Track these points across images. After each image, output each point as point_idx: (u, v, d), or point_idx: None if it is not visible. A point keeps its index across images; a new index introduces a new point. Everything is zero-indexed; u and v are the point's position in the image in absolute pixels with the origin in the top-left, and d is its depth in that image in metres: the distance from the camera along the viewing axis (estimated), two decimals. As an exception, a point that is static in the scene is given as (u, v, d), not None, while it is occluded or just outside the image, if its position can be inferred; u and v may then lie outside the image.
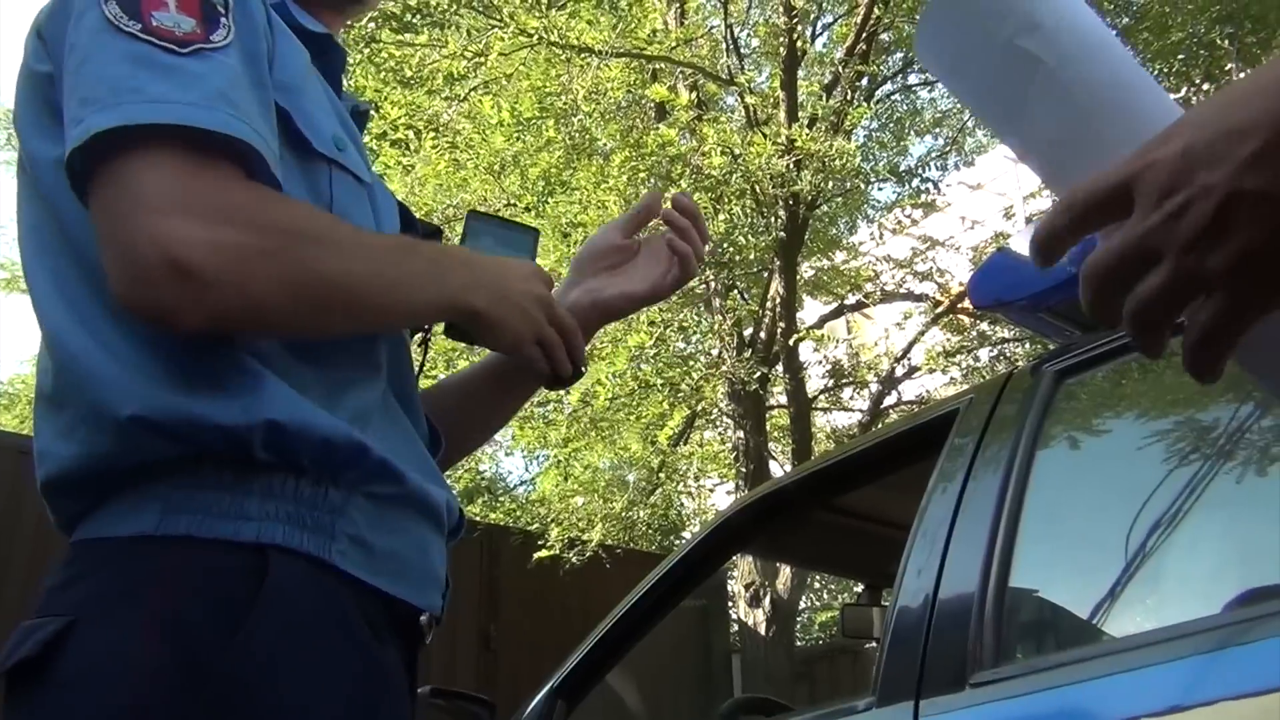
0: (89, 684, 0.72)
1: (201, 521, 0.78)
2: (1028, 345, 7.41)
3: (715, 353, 7.49)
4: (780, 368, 7.25)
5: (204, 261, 0.73)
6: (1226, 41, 6.70)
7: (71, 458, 0.81)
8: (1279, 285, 0.46)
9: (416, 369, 1.06)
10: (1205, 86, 7.16)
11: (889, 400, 8.38)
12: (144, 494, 0.79)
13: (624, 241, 1.15)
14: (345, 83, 1.08)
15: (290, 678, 0.75)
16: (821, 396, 8.68)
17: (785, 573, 6.84)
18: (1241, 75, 6.50)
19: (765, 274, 7.31)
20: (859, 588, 3.71)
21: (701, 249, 1.12)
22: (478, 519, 7.57)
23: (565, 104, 6.93)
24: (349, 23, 1.20)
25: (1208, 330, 0.47)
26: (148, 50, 0.77)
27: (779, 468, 7.92)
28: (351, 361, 0.89)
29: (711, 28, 7.96)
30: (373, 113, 1.04)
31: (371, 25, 6.79)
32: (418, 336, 1.09)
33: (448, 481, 0.98)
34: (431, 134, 7.16)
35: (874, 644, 3.04)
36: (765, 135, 6.46)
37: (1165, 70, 7.21)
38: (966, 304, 6.88)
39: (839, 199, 8.30)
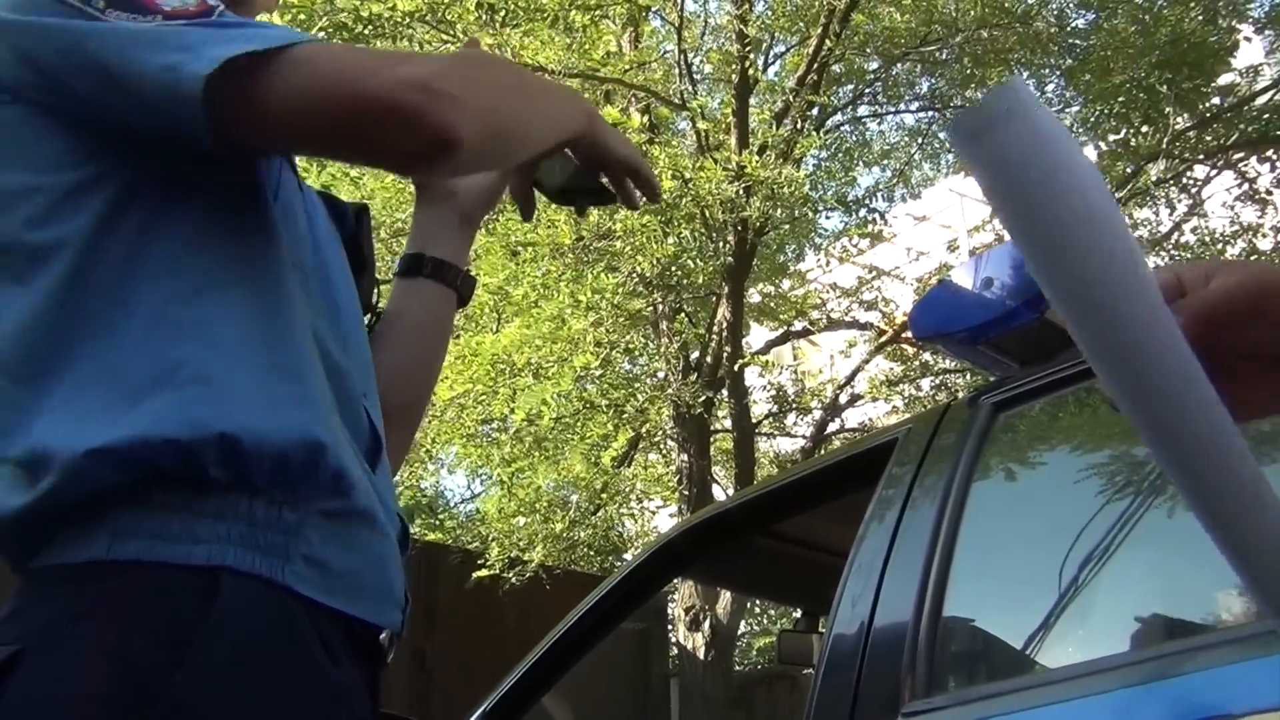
0: (35, 714, 0.71)
1: (151, 545, 0.76)
2: (969, 376, 7.52)
3: (661, 375, 7.51)
4: (725, 392, 7.28)
5: (433, 80, 0.78)
6: (1165, 86, 6.89)
7: (16, 507, 0.78)
8: None
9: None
10: (1144, 129, 7.36)
11: (832, 427, 8.45)
12: (94, 522, 0.77)
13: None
14: None
15: (241, 702, 0.74)
16: (765, 422, 8.73)
17: (725, 597, 6.85)
18: (1178, 119, 6.68)
19: (713, 298, 7.35)
20: (798, 614, 3.72)
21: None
22: (416, 537, 7.48)
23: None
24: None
25: None
26: (182, 27, 0.80)
27: (722, 491, 7.95)
28: (297, 352, 0.85)
29: (665, 52, 8.03)
30: None
31: (322, 35, 6.73)
32: (366, 318, 1.07)
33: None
34: (382, 147, 7.10)
35: (811, 671, 3.05)
36: (716, 160, 6.51)
37: (1106, 112, 7.39)
38: (910, 334, 6.97)
39: (787, 226, 8.38)
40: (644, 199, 1.05)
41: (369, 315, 1.08)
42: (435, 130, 0.77)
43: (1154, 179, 7.57)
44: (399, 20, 6.29)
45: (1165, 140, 7.23)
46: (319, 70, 0.79)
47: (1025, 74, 8.68)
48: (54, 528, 0.78)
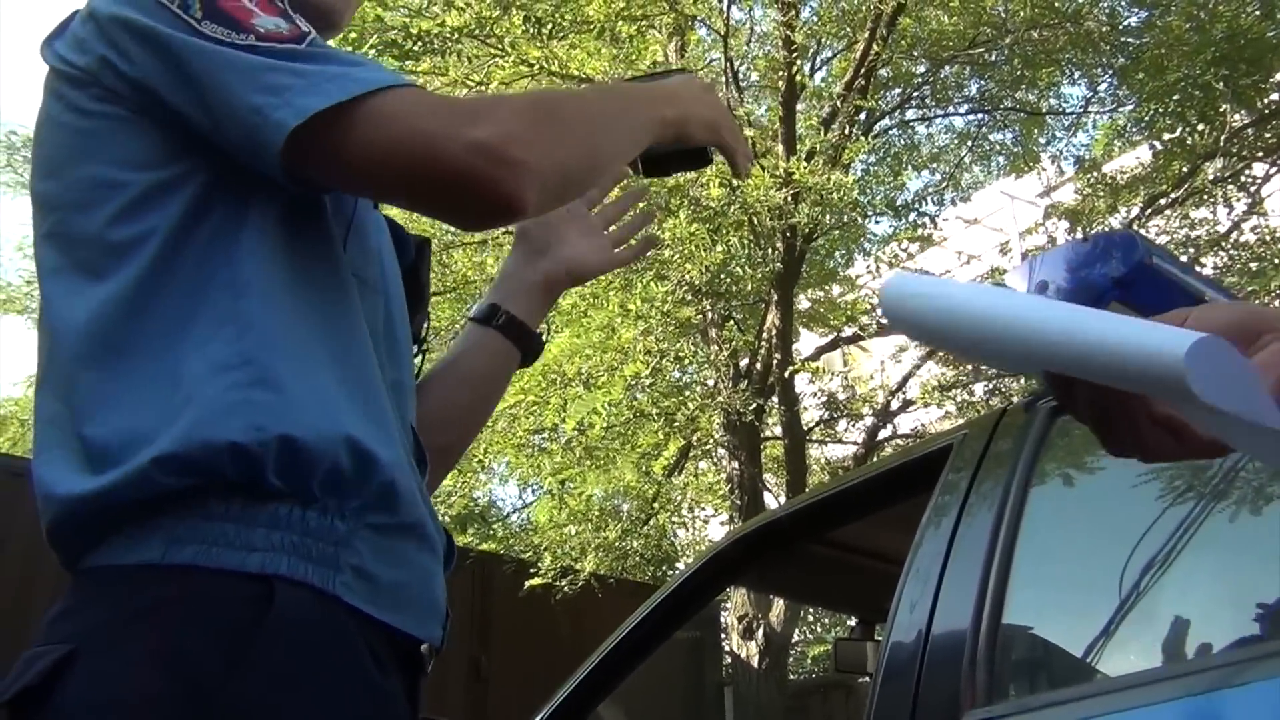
0: (90, 716, 0.71)
1: (207, 551, 0.77)
2: (1023, 380, 7.42)
3: (711, 383, 7.50)
4: (776, 399, 7.26)
5: (505, 144, 0.81)
6: (1221, 83, 6.76)
7: (77, 493, 0.80)
8: None
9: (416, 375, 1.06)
10: (1200, 127, 7.22)
11: (884, 433, 8.38)
12: (149, 525, 0.78)
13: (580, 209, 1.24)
14: None
15: (296, 709, 0.75)
16: (817, 429, 8.68)
17: (779, 606, 6.81)
18: (1236, 117, 6.54)
19: (762, 305, 7.33)
20: (852, 622, 3.69)
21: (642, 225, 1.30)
22: (470, 547, 7.54)
23: (565, 134, 6.96)
24: None
25: None
26: (282, 53, 0.82)
27: (773, 500, 7.91)
28: (360, 363, 0.87)
29: (711, 60, 8.03)
30: None
31: (373, 53, 6.83)
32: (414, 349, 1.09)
33: (437, 508, 0.98)
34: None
35: (867, 679, 3.02)
36: (763, 168, 6.50)
37: (1161, 110, 7.27)
38: (962, 338, 6.88)
39: (836, 232, 8.34)
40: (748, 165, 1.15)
41: (416, 346, 1.09)
42: (502, 199, 0.81)
43: (1211, 177, 7.41)
44: (448, 36, 6.37)
45: (1222, 138, 7.09)
46: (399, 128, 0.81)
47: (1077, 74, 8.57)
48: (108, 525, 0.79)
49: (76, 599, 0.79)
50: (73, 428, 0.81)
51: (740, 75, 7.98)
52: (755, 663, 6.72)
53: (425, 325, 1.15)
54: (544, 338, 1.22)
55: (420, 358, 1.10)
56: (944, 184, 9.63)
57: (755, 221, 6.61)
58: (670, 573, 9.74)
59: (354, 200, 0.93)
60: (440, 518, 0.98)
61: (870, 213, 8.18)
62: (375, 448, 0.83)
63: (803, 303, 8.27)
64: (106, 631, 0.75)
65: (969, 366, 7.82)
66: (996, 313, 0.60)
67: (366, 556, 0.82)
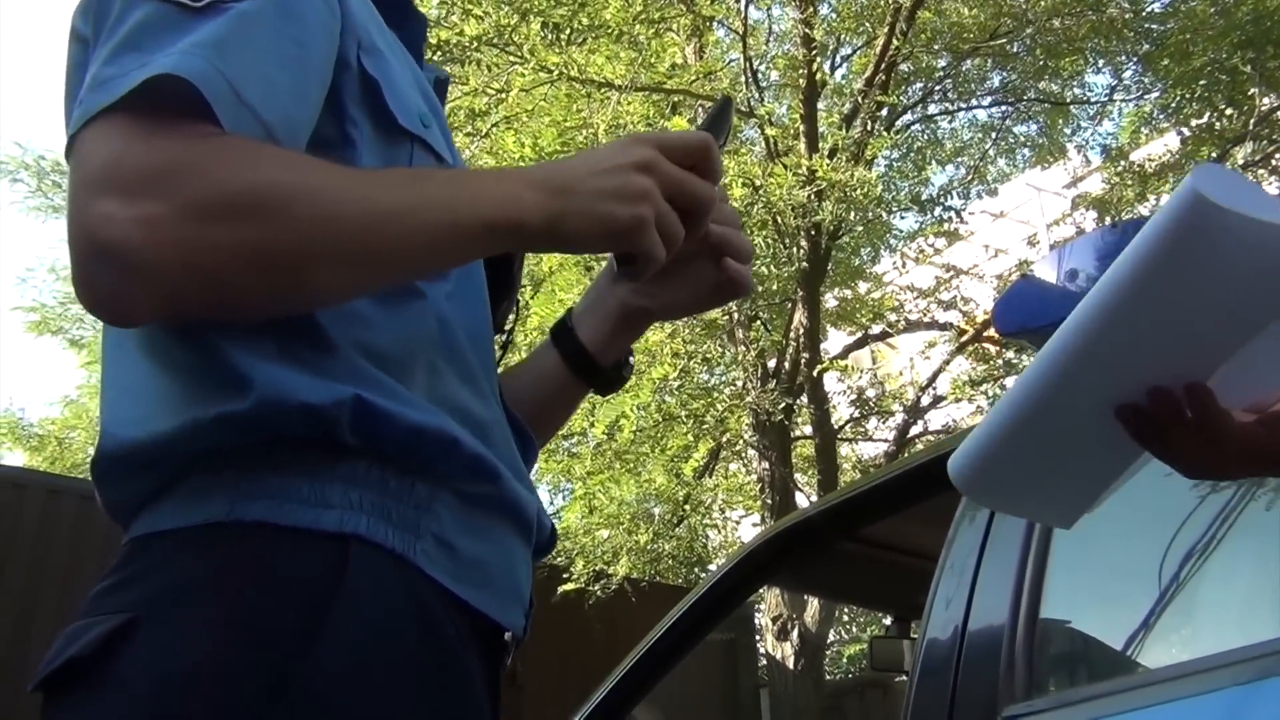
0: (151, 689, 0.64)
1: (279, 508, 0.69)
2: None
3: (739, 384, 7.48)
4: (805, 398, 7.23)
5: (127, 240, 0.61)
6: (1249, 66, 6.68)
7: (131, 438, 0.73)
8: None
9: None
10: (1228, 111, 7.14)
11: (915, 430, 8.33)
12: (212, 479, 0.71)
13: None
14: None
15: (377, 684, 0.68)
16: (847, 427, 8.64)
17: (813, 605, 6.79)
18: (1264, 100, 6.47)
19: (788, 304, 7.31)
20: (887, 620, 3.67)
21: (748, 257, 0.95)
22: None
23: (586, 138, 6.98)
24: None
25: None
26: (162, 11, 0.69)
27: (805, 499, 7.88)
28: (437, 351, 0.79)
29: (731, 61, 8.03)
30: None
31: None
32: (499, 338, 1.00)
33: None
34: (454, 170, 7.22)
35: (904, 677, 3.00)
36: (786, 166, 6.48)
37: (1187, 96, 7.19)
38: (992, 332, 6.85)
39: (861, 229, 8.31)
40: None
41: (501, 336, 1.02)
42: (95, 304, 0.65)
43: (1241, 162, 7.33)
44: (467, 44, 6.40)
45: (1251, 122, 7.00)
46: (75, 173, 0.67)
47: (1101, 62, 8.49)
48: (165, 481, 0.72)
49: (133, 566, 0.71)
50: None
51: (760, 74, 7.97)
52: (791, 663, 6.70)
53: (512, 316, 1.05)
54: (626, 370, 1.03)
55: (502, 352, 1.01)
56: (969, 178, 9.55)
57: (779, 220, 6.59)
58: (703, 574, 9.72)
59: (409, 161, 0.82)
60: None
61: (895, 208, 8.15)
62: (452, 431, 0.75)
63: (829, 301, 8.24)
64: (171, 597, 0.67)
65: (999, 361, 7.77)
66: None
67: (448, 524, 0.75)
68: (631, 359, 1.05)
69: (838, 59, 8.37)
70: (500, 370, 0.97)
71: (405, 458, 0.73)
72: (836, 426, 8.11)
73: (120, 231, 0.61)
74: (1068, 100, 9.09)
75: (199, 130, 0.65)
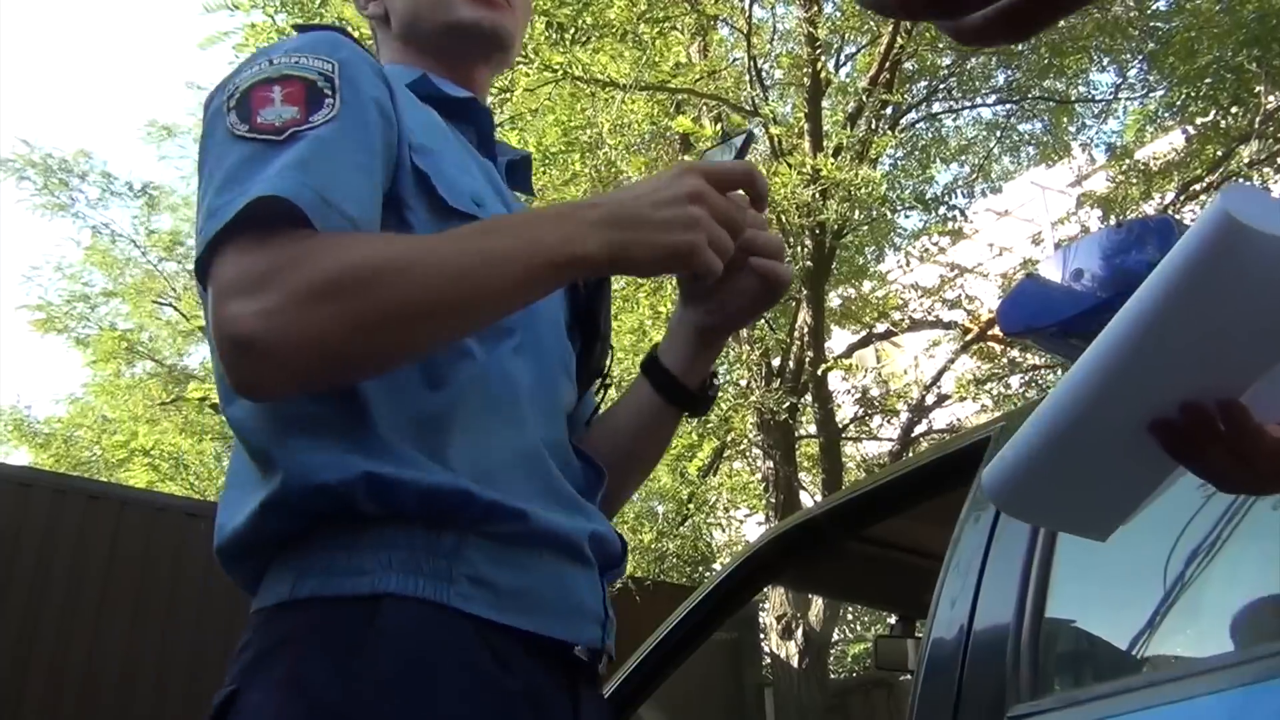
0: None
1: (325, 582, 0.83)
2: (1059, 372, 7.34)
3: (744, 383, 7.48)
4: (809, 397, 7.23)
5: (255, 330, 0.74)
6: (1254, 65, 6.67)
7: (229, 532, 0.90)
8: None
9: (593, 409, 1.12)
10: (1233, 109, 7.12)
11: (920, 429, 8.32)
12: (282, 563, 0.86)
13: None
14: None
15: (410, 709, 0.79)
16: (851, 426, 8.64)
17: (817, 604, 6.78)
18: (1270, 98, 6.45)
19: (793, 303, 7.30)
20: (892, 619, 3.66)
21: (781, 259, 1.05)
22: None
23: (590, 137, 6.99)
24: (494, 76, 1.19)
25: None
26: (253, 149, 0.82)
27: (809, 498, 7.88)
28: (479, 407, 0.89)
29: (735, 60, 8.02)
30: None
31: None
32: (596, 382, 1.14)
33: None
34: (459, 169, 7.22)
35: (908, 676, 3.00)
36: (790, 165, 6.48)
37: (1193, 94, 7.18)
38: (996, 331, 6.84)
39: (865, 227, 8.30)
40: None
41: (599, 380, 1.15)
42: (240, 386, 0.79)
43: (1247, 161, 7.31)
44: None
45: (1257, 120, 6.99)
46: (210, 284, 0.82)
47: (1106, 60, 8.48)
48: (260, 566, 0.88)
49: (241, 642, 0.86)
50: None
51: (764, 73, 7.96)
52: (795, 662, 6.69)
53: (608, 358, 1.17)
54: (712, 390, 1.12)
55: (601, 393, 1.15)
56: (973, 176, 9.53)
57: (784, 219, 6.58)
58: (708, 574, 9.72)
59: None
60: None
61: (899, 207, 8.14)
62: (467, 486, 0.85)
63: (834, 300, 8.24)
64: (253, 668, 0.82)
65: (1004, 360, 7.76)
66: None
67: (481, 565, 0.85)
68: (717, 380, 1.14)
69: (842, 57, 8.36)
70: (603, 408, 1.15)
71: (427, 515, 0.84)
72: (841, 425, 8.11)
73: (246, 325, 0.75)
74: (1072, 98, 9.07)
75: (299, 234, 0.78)
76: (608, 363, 1.17)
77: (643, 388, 1.11)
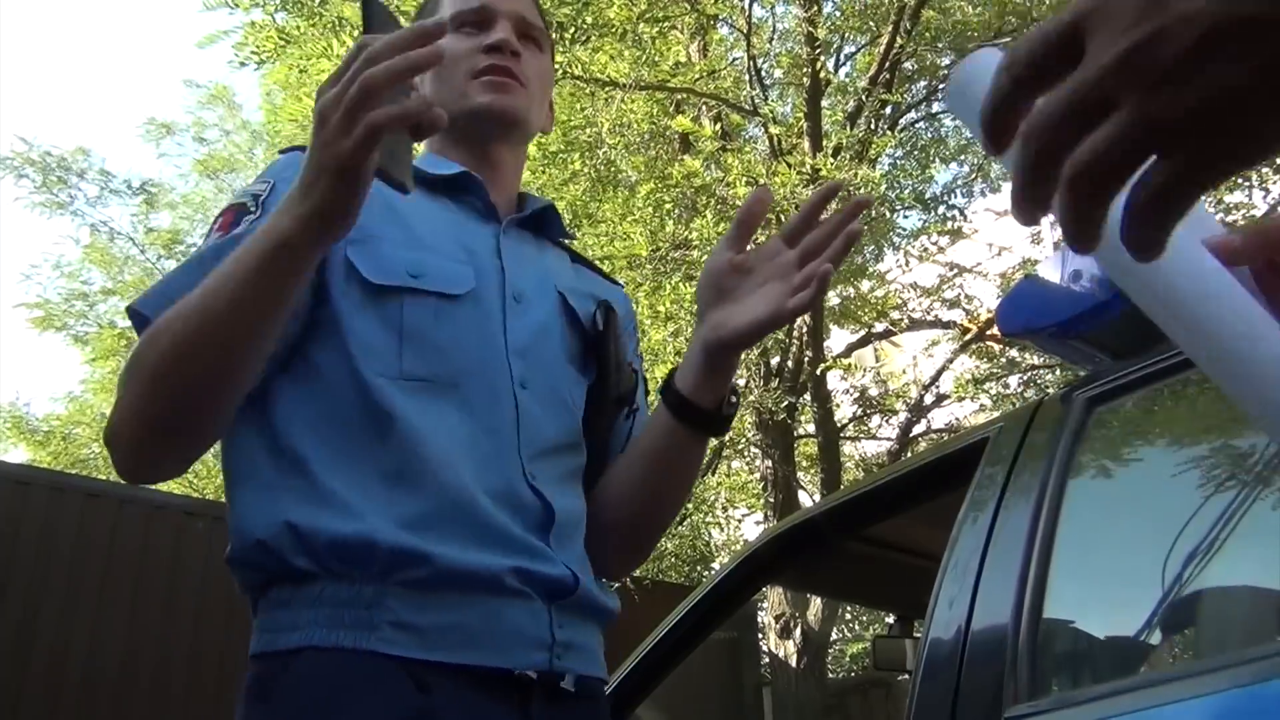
0: None
1: (271, 639, 0.94)
2: (1058, 372, 7.35)
3: (742, 382, 7.48)
4: (808, 397, 7.23)
5: (109, 429, 0.97)
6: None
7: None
8: (1245, 140, 0.38)
9: (623, 437, 1.17)
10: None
11: (918, 428, 8.33)
12: (258, 620, 0.97)
13: (738, 259, 1.08)
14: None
15: None
16: (850, 425, 8.64)
17: (816, 604, 6.79)
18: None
19: (791, 303, 7.29)
20: (890, 619, 3.67)
21: (838, 256, 1.05)
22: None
23: (590, 137, 6.99)
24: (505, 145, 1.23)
25: (1159, 193, 0.39)
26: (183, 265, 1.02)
27: (808, 497, 7.88)
28: (387, 455, 0.97)
29: (734, 59, 8.01)
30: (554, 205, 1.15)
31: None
32: (623, 411, 1.19)
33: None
34: (458, 168, 7.22)
35: (907, 676, 3.00)
36: (790, 165, 6.48)
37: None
38: (995, 331, 6.84)
39: (864, 227, 8.28)
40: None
41: (623, 408, 1.19)
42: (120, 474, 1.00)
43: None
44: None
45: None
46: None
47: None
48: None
49: None
50: None
51: (764, 73, 7.96)
52: (793, 662, 6.70)
53: (633, 386, 1.21)
54: (729, 409, 1.11)
55: (631, 419, 1.21)
56: (973, 176, 9.53)
57: (783, 219, 6.58)
58: (706, 573, 9.72)
59: (400, 309, 1.02)
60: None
61: (899, 207, 8.14)
62: (366, 532, 0.93)
63: (832, 299, 8.23)
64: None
65: (1003, 360, 7.76)
66: None
67: (403, 611, 0.93)
68: (735, 399, 1.13)
69: (842, 57, 8.37)
70: (631, 437, 1.20)
71: (346, 569, 0.93)
72: (839, 425, 8.11)
73: (109, 431, 0.99)
74: (1072, 99, 9.05)
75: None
76: (635, 389, 1.21)
77: (660, 412, 1.12)
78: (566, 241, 1.29)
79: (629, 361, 1.22)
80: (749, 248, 1.10)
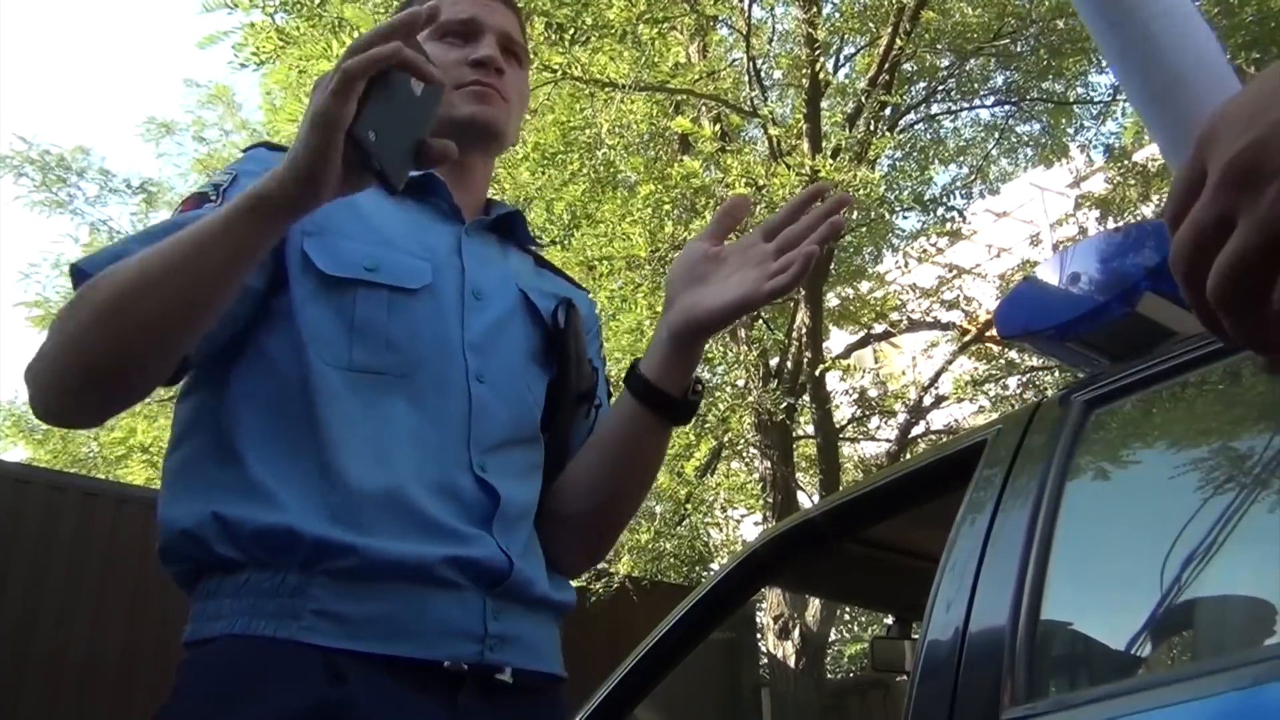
0: None
1: (196, 628, 0.95)
2: (1056, 374, 7.35)
3: (741, 383, 7.48)
4: (807, 398, 7.23)
5: (28, 370, 0.96)
6: (1253, 67, 6.67)
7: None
8: None
9: (584, 435, 1.17)
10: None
11: (917, 430, 8.33)
12: (191, 609, 0.97)
13: (713, 249, 1.10)
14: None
15: None
16: (849, 426, 8.64)
17: (814, 605, 6.79)
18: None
19: (791, 304, 7.31)
20: (889, 620, 3.67)
21: (822, 240, 1.04)
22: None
23: (590, 137, 6.99)
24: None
25: None
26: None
27: (806, 498, 7.88)
28: (322, 444, 0.97)
29: (734, 60, 8.02)
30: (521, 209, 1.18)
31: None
32: (584, 409, 1.18)
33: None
34: (457, 168, 7.22)
35: (904, 677, 3.01)
36: (789, 166, 6.48)
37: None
38: (994, 332, 6.85)
39: (864, 228, 8.30)
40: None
41: (585, 405, 1.19)
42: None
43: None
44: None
45: (1255, 123, 6.98)
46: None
47: (1104, 62, 8.47)
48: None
49: None
50: None
51: (763, 74, 7.96)
52: (792, 663, 6.70)
53: (594, 383, 1.21)
54: (695, 396, 1.11)
55: (591, 416, 1.20)
56: (972, 177, 9.53)
57: (782, 220, 6.57)
58: (705, 573, 9.72)
59: (354, 301, 1.02)
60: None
61: (898, 208, 8.14)
62: (289, 522, 0.93)
63: (832, 300, 8.24)
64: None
65: (1002, 361, 7.76)
66: None
67: (327, 600, 0.93)
68: (700, 387, 1.13)
69: (841, 58, 8.37)
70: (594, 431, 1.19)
71: (271, 558, 0.93)
72: (838, 426, 8.11)
73: (29, 372, 0.97)
74: (1071, 100, 9.08)
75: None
76: (595, 387, 1.22)
77: (623, 399, 1.12)
78: (534, 249, 1.31)
79: (589, 360, 1.23)
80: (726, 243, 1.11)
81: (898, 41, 7.00)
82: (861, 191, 6.43)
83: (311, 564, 0.93)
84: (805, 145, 6.91)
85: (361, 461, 0.97)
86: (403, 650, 0.94)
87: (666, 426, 1.13)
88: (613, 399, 1.24)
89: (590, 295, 1.35)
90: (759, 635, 8.03)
